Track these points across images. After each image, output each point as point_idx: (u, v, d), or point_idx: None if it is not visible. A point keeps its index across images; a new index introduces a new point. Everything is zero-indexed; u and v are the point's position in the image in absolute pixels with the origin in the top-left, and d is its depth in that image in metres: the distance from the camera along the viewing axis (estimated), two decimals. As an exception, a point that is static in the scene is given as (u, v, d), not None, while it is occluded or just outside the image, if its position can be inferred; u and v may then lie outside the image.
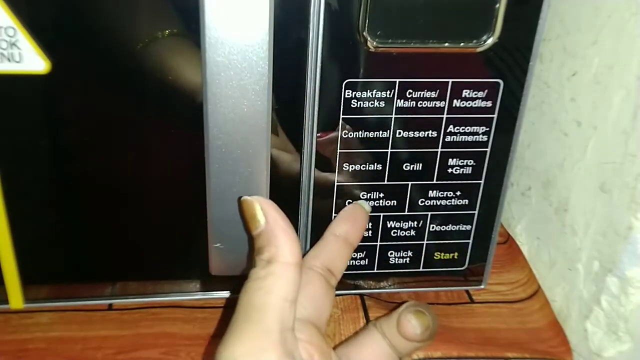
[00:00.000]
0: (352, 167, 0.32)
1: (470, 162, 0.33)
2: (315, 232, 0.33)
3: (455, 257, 0.35)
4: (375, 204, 0.33)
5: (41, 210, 0.31)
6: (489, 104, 0.31)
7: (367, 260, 0.35)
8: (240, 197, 0.28)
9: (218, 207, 0.29)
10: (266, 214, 0.26)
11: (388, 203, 0.33)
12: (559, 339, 0.35)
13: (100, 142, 0.30)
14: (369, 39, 0.28)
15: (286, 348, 0.23)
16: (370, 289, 0.36)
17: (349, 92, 0.30)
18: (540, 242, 0.40)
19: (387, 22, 0.28)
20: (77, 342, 0.33)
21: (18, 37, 0.26)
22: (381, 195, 0.33)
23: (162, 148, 0.30)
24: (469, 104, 0.31)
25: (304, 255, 0.31)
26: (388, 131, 0.31)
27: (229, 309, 0.36)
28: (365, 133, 0.31)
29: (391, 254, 0.35)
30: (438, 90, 0.30)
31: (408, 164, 0.32)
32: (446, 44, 0.29)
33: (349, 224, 0.32)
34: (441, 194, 0.33)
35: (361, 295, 0.37)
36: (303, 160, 0.31)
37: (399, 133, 0.31)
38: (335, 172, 0.32)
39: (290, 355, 0.23)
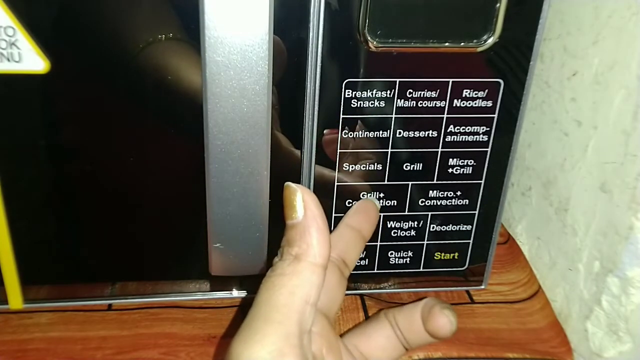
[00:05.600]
0: (352, 167, 0.32)
1: (470, 162, 0.33)
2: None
3: (456, 257, 0.35)
4: (376, 204, 0.33)
5: (40, 210, 0.31)
6: (490, 103, 0.31)
7: (367, 260, 0.35)
8: (286, 182, 0.26)
9: (218, 207, 0.29)
10: (306, 207, 0.25)
11: (388, 203, 0.33)
12: (559, 339, 0.35)
13: (99, 142, 0.29)
14: (369, 38, 0.28)
15: (303, 352, 0.23)
16: (370, 289, 0.36)
17: (349, 91, 0.30)
18: (541, 242, 0.40)
19: (387, 21, 0.28)
20: (76, 343, 0.33)
21: (17, 36, 0.26)
22: (381, 195, 0.33)
23: (162, 148, 0.30)
24: (469, 103, 0.31)
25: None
26: (388, 131, 0.31)
27: (231, 309, 0.36)
28: (366, 133, 0.31)
29: (391, 254, 0.35)
30: (438, 90, 0.30)
31: (408, 164, 0.32)
32: (446, 44, 0.29)
33: (363, 217, 0.32)
34: (441, 194, 0.33)
35: (361, 295, 0.37)
36: (303, 160, 0.31)
37: (399, 133, 0.31)
38: (335, 172, 0.32)
39: (306, 358, 0.23)
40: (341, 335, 0.30)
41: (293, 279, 0.24)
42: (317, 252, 0.25)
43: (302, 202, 0.25)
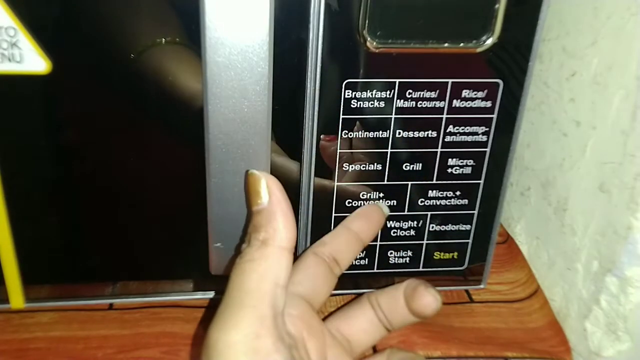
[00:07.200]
0: (352, 167, 0.32)
1: (469, 162, 0.33)
2: (315, 232, 0.33)
3: (455, 256, 0.36)
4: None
5: (42, 210, 0.31)
6: (489, 104, 0.31)
7: (367, 260, 0.35)
8: (248, 170, 0.28)
9: (218, 207, 0.29)
10: (271, 192, 0.26)
11: (388, 203, 0.33)
12: (558, 339, 0.36)
13: (100, 142, 0.30)
14: (368, 39, 0.28)
15: (278, 332, 0.24)
16: (370, 289, 0.36)
17: (349, 92, 0.30)
18: (540, 242, 0.40)
19: (387, 22, 0.28)
20: (78, 342, 0.33)
21: (19, 37, 0.26)
22: (381, 195, 0.33)
23: (163, 148, 0.30)
24: (468, 104, 0.31)
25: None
26: (388, 131, 0.31)
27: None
28: (365, 133, 0.31)
29: (391, 253, 0.35)
30: (438, 91, 0.30)
31: (408, 164, 0.32)
32: (446, 44, 0.29)
33: (364, 222, 0.33)
34: (441, 194, 0.33)
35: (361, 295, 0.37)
36: (303, 160, 0.31)
37: (399, 133, 0.31)
38: (335, 172, 0.32)
39: (282, 339, 0.24)
40: (323, 319, 0.31)
41: (262, 263, 0.25)
42: (283, 236, 0.25)
43: (266, 188, 0.26)
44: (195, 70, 0.27)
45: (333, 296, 0.37)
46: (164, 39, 0.27)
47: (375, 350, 0.33)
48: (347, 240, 0.32)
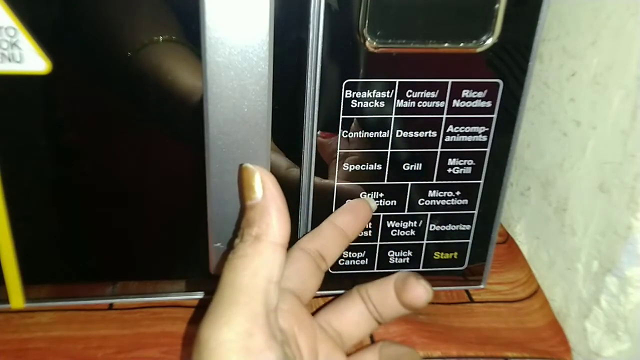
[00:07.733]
0: (352, 167, 0.32)
1: (469, 162, 0.33)
2: (315, 231, 0.33)
3: (455, 256, 0.36)
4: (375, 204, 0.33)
5: (42, 210, 0.31)
6: (489, 104, 0.31)
7: (367, 260, 0.35)
8: (242, 164, 0.27)
9: (218, 207, 0.29)
10: (265, 187, 0.25)
11: (388, 203, 0.33)
12: (558, 339, 0.36)
13: (100, 142, 0.30)
14: (368, 39, 0.28)
15: (271, 330, 0.24)
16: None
17: (349, 92, 0.30)
18: (540, 242, 0.40)
19: (387, 22, 0.28)
20: (77, 342, 0.33)
21: (19, 37, 0.26)
22: (381, 195, 0.33)
23: (163, 148, 0.30)
24: (468, 104, 0.31)
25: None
26: (388, 131, 0.31)
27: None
28: (365, 133, 0.31)
29: (391, 253, 0.35)
30: (438, 91, 0.30)
31: (408, 164, 0.32)
32: (446, 44, 0.29)
33: (350, 217, 0.32)
34: (441, 194, 0.33)
35: (361, 294, 0.37)
36: (303, 160, 0.31)
37: (399, 133, 0.31)
38: (335, 172, 0.32)
39: (274, 336, 0.24)
40: (314, 313, 0.31)
41: (255, 259, 0.24)
42: (276, 232, 0.25)
43: (260, 182, 0.25)
44: (194, 68, 0.27)
45: (331, 295, 0.37)
46: (161, 37, 0.27)
47: (373, 341, 0.33)
48: (333, 236, 0.32)
